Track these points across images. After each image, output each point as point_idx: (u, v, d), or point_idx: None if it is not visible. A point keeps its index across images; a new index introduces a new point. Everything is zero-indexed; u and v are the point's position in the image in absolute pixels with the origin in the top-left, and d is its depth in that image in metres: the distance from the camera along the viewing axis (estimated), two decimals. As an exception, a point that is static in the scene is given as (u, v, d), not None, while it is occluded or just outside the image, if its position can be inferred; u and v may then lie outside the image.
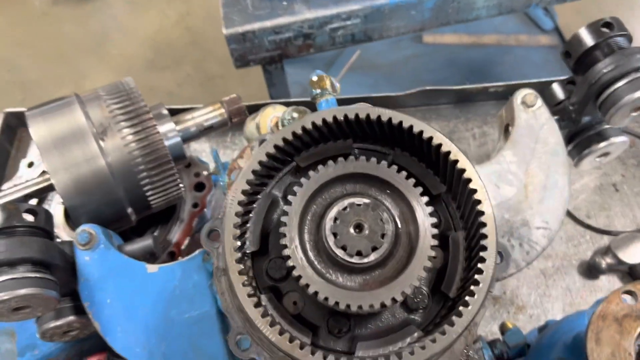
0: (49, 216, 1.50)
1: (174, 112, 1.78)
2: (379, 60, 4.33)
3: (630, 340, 1.11)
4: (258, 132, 1.44)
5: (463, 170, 1.00)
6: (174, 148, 1.68)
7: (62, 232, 1.90)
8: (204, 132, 1.80)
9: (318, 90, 1.27)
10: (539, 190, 1.47)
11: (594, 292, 1.82)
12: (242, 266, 0.96)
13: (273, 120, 1.42)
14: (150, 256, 1.53)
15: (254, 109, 1.92)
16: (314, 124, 1.04)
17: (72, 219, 1.57)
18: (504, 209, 1.41)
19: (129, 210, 1.63)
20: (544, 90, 1.67)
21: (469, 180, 1.00)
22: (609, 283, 1.84)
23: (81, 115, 1.60)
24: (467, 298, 0.94)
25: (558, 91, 1.69)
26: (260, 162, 1.03)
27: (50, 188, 1.60)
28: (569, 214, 1.95)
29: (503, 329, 1.60)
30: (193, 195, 1.92)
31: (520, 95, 1.53)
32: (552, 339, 1.44)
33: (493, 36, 4.27)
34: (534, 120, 1.52)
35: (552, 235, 1.45)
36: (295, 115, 1.28)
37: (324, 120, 1.04)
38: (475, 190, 0.99)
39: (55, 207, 1.93)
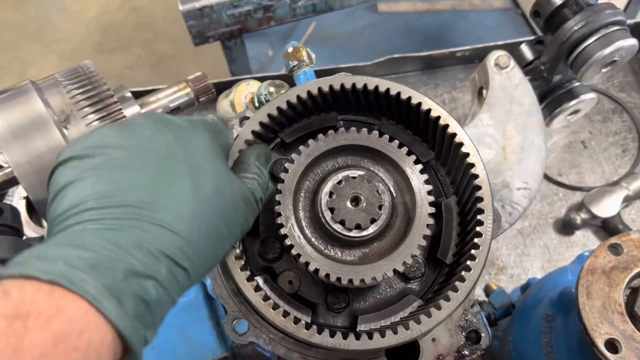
0: (15, 213, 1.42)
1: (136, 95, 1.70)
2: (335, 32, 4.27)
3: (619, 292, 1.13)
4: (233, 109, 1.39)
5: (454, 135, 0.99)
6: (141, 132, 1.60)
7: (26, 228, 1.81)
8: (171, 113, 1.73)
9: (295, 62, 1.22)
10: (517, 152, 1.48)
11: (570, 248, 1.87)
12: (237, 250, 0.93)
13: (248, 97, 1.37)
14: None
15: (221, 86, 1.86)
16: (299, 97, 1.00)
17: (40, 214, 1.48)
18: (484, 172, 1.42)
19: (99, 200, 1.55)
20: (512, 51, 1.67)
21: (461, 145, 0.99)
22: (584, 238, 1.89)
23: (40, 103, 1.50)
24: (468, 262, 0.94)
25: (527, 52, 1.70)
26: (246, 142, 0.98)
27: (12, 182, 1.50)
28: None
29: (488, 290, 1.63)
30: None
31: (493, 57, 1.53)
32: (536, 296, 1.47)
33: (447, 2, 4.28)
34: (508, 81, 1.52)
35: (533, 195, 1.47)
36: (272, 89, 1.23)
37: (309, 93, 1.00)
38: (467, 154, 0.98)
39: (17, 202, 1.83)
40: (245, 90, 1.38)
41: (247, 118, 1.13)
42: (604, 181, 1.98)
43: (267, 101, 1.23)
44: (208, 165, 0.79)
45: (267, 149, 1.02)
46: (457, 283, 0.92)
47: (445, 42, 4.30)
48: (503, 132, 1.48)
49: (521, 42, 1.72)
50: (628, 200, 1.88)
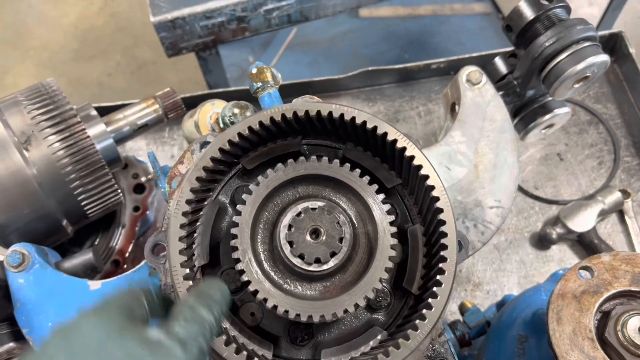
0: (-27, 238, 1.37)
1: (103, 111, 1.66)
2: (316, 37, 4.25)
3: (590, 317, 1.11)
4: (198, 130, 1.35)
5: (420, 167, 0.96)
6: (107, 151, 1.56)
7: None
8: (139, 131, 1.69)
9: (259, 84, 1.19)
10: (489, 169, 1.46)
11: (546, 263, 1.86)
12: (191, 282, 0.89)
13: (213, 117, 1.34)
14: (91, 271, 1.43)
15: (191, 101, 1.82)
16: (261, 123, 0.97)
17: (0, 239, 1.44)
18: (456, 190, 1.39)
19: (64, 222, 1.51)
20: (485, 63, 1.65)
21: (426, 177, 0.96)
22: (560, 252, 1.87)
23: (-1, 123, 1.46)
24: (434, 289, 0.91)
25: (500, 65, 1.68)
26: (204, 168, 0.95)
27: (-30, 206, 1.46)
28: (518, 187, 1.97)
29: (462, 309, 1.61)
30: (133, 198, 1.81)
31: (464, 73, 1.51)
32: (510, 316, 1.44)
33: (428, 7, 4.27)
34: (480, 97, 1.50)
35: (505, 213, 1.45)
36: (236, 111, 1.20)
37: (272, 120, 0.97)
38: (432, 187, 0.95)
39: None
40: (210, 111, 1.34)
41: (208, 143, 1.10)
42: (580, 194, 1.96)
43: (231, 123, 1.20)
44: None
45: (217, 284, 0.87)
46: (424, 311, 0.90)
47: (426, 46, 4.29)
48: (475, 149, 1.46)
49: (496, 55, 1.70)
50: (603, 214, 1.87)
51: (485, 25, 4.18)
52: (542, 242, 1.88)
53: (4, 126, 1.43)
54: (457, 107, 1.56)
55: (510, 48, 1.63)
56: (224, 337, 0.90)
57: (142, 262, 1.40)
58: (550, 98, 1.65)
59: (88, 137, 1.46)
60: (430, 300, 0.91)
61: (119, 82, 4.53)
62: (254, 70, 1.20)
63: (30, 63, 4.61)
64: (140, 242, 1.83)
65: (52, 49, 4.65)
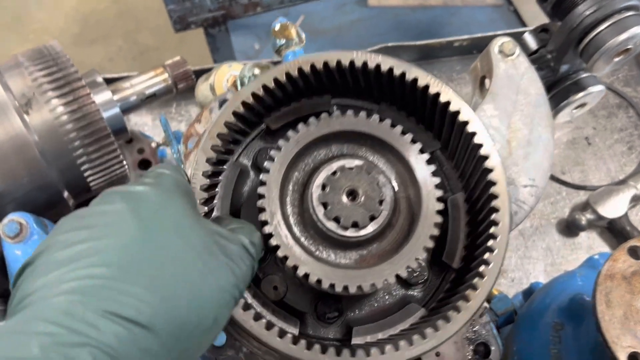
0: (-33, 206, 1.27)
1: (109, 82, 1.56)
2: (323, 26, 4.14)
3: (642, 300, 1.02)
4: (213, 94, 1.25)
5: (465, 123, 0.87)
6: (113, 120, 1.46)
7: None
8: (146, 101, 1.58)
9: (283, 41, 1.10)
10: (523, 146, 1.36)
11: (574, 251, 1.76)
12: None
13: (230, 80, 1.24)
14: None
15: (202, 73, 1.72)
16: (288, 75, 0.87)
17: (-5, 207, 1.34)
18: (487, 167, 1.30)
19: (66, 194, 1.41)
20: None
21: (473, 134, 0.87)
22: (588, 239, 1.78)
23: (-2, 85, 1.36)
24: (481, 268, 0.81)
25: (530, 41, 1.59)
26: (226, 124, 0.85)
27: (-34, 173, 1.35)
28: (543, 171, 1.87)
29: (488, 296, 1.51)
30: (138, 174, 1.71)
31: (497, 43, 1.41)
32: (542, 303, 1.35)
33: (439, -3, 4.16)
34: (514, 69, 1.40)
35: (540, 193, 1.35)
36: (257, 71, 1.10)
37: (300, 71, 0.87)
38: (480, 145, 0.86)
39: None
40: (227, 73, 1.24)
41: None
42: (609, 180, 1.87)
43: (251, 84, 1.10)
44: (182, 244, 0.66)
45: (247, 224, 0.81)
46: (468, 292, 0.80)
47: (436, 37, 4.21)
48: (508, 124, 1.36)
49: (523, 32, 1.60)
50: (636, 200, 1.77)
51: (496, 17, 4.08)
52: (570, 228, 1.79)
53: (4, 88, 1.33)
54: (487, 80, 1.47)
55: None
56: (252, 311, 0.80)
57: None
58: (585, 75, 1.56)
59: (93, 102, 1.36)
60: (475, 280, 0.81)
61: (121, 67, 4.42)
62: (278, 27, 1.11)
63: (30, 47, 4.49)
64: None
65: (52, 33, 4.54)
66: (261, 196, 0.81)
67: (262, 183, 0.82)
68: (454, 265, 0.91)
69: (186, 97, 1.94)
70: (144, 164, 1.72)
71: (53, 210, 1.45)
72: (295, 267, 0.78)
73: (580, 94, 1.54)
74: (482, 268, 0.81)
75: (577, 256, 1.73)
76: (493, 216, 0.83)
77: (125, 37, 4.47)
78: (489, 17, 4.16)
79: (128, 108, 1.55)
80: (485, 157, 0.85)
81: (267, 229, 0.80)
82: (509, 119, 1.38)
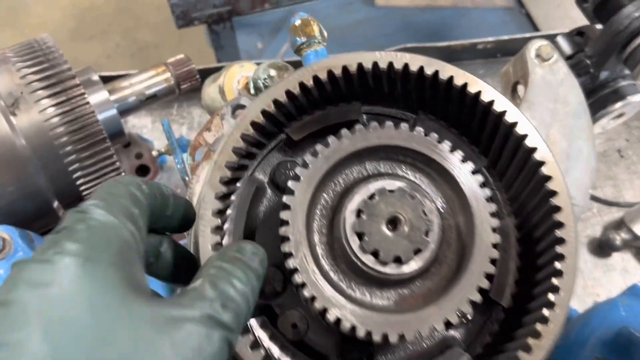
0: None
1: (106, 81, 1.43)
2: (328, 25, 3.97)
3: None
4: (222, 97, 1.12)
5: (524, 137, 0.74)
6: (109, 123, 1.33)
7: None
8: (146, 102, 1.46)
9: (303, 39, 0.97)
10: (562, 160, 1.24)
11: (607, 272, 1.64)
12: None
13: (242, 82, 1.11)
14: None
15: (206, 73, 1.58)
16: (316, 79, 0.74)
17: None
18: (523, 183, 1.17)
19: (55, 203, 1.28)
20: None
21: (533, 150, 0.73)
22: (622, 261, 1.66)
23: (-18, 83, 1.22)
24: (544, 312, 0.68)
25: (564, 45, 1.46)
26: (243, 136, 0.72)
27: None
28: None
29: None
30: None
31: (534, 46, 1.29)
32: (581, 335, 1.22)
33: (449, -2, 4.05)
34: (552, 76, 1.28)
35: (580, 212, 1.23)
36: (273, 72, 0.98)
37: (329, 74, 0.74)
38: (542, 163, 0.73)
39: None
40: (238, 74, 1.11)
41: (242, 106, 0.88)
42: (644, 196, 1.76)
43: (266, 87, 0.98)
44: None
45: (250, 245, 0.65)
46: (530, 341, 0.67)
47: (445, 39, 4.09)
48: (546, 135, 1.24)
49: (555, 35, 1.48)
50: (675, 220, 1.66)
51: (507, 19, 3.97)
52: (602, 248, 1.66)
53: (-12, 86, 1.19)
54: (521, 87, 1.35)
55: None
56: (262, 352, 0.67)
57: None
58: (624, 83, 1.43)
59: (88, 103, 1.23)
60: (538, 326, 0.68)
61: (118, 64, 4.28)
62: (298, 22, 0.98)
63: (25, 41, 4.35)
64: (142, 232, 1.59)
65: (48, 28, 4.40)
66: (284, 222, 0.68)
67: (286, 207, 0.68)
68: (504, 304, 0.78)
69: (189, 98, 1.81)
70: (142, 170, 1.59)
71: (41, 221, 1.32)
72: (324, 310, 0.65)
73: (620, 104, 1.42)
74: (544, 311, 0.68)
75: (610, 278, 1.60)
76: (557, 249, 0.70)
77: (123, 34, 4.33)
78: (500, 19, 4.04)
79: (126, 110, 1.42)
80: (548, 178, 0.72)
81: (291, 263, 0.66)
82: (547, 130, 1.25)
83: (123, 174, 1.35)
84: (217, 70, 1.55)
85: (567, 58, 1.45)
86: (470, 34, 3.93)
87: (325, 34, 1.03)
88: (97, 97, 1.31)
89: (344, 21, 4.04)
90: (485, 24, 3.98)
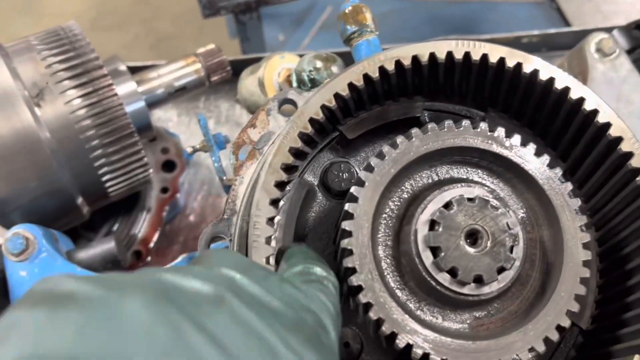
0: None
1: (132, 71, 1.36)
2: (352, 18, 3.93)
3: None
4: (262, 91, 1.04)
5: (619, 140, 0.65)
6: (137, 115, 1.25)
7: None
8: (174, 94, 1.38)
9: (354, 27, 0.88)
10: (624, 164, 1.15)
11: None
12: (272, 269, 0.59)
13: (282, 74, 1.03)
14: (112, 264, 1.13)
15: (237, 66, 1.50)
16: (382, 70, 0.66)
17: (-1, 217, 1.14)
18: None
19: (79, 200, 1.20)
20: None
21: (629, 155, 0.64)
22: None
23: (6, 72, 1.15)
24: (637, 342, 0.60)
25: (621, 40, 1.36)
26: (301, 135, 0.64)
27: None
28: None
29: None
30: (161, 177, 1.50)
31: (593, 41, 1.20)
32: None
33: (477, -9, 3.93)
34: (614, 72, 1.19)
35: None
36: (319, 64, 0.89)
37: (398, 65, 0.66)
38: (637, 171, 0.64)
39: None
40: (279, 66, 1.03)
41: (291, 101, 0.79)
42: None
43: (311, 80, 0.89)
44: None
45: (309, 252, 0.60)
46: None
47: (472, 33, 3.98)
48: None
49: (612, 29, 1.38)
50: None
51: (537, 13, 3.85)
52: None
53: (13, 76, 1.12)
54: (577, 83, 1.26)
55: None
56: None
57: (179, 258, 1.10)
58: (686, 81, 1.33)
59: (116, 94, 1.15)
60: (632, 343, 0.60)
61: (137, 55, 4.22)
62: (349, 9, 0.89)
63: (44, 31, 4.31)
64: (167, 230, 1.52)
65: (67, 17, 4.33)
66: (346, 233, 0.60)
67: (348, 215, 0.60)
68: (583, 326, 0.69)
69: (216, 90, 1.73)
70: (169, 166, 1.52)
71: (64, 219, 1.25)
72: (393, 336, 0.57)
73: (682, 103, 1.32)
74: (637, 342, 0.60)
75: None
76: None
77: (142, 25, 4.27)
78: (530, 13, 3.91)
79: (154, 102, 1.34)
80: (637, 171, 0.63)
81: (355, 280, 0.59)
82: (608, 132, 1.16)
83: (150, 170, 1.28)
84: (246, 62, 1.47)
85: (628, 52, 1.36)
86: (500, 28, 3.82)
87: (377, 22, 0.94)
88: (124, 88, 1.24)
89: (368, 14, 3.96)
90: (514, 18, 3.86)
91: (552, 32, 1.69)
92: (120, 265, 1.13)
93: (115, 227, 1.45)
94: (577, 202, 0.62)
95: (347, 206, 0.61)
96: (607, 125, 0.64)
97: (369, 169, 0.62)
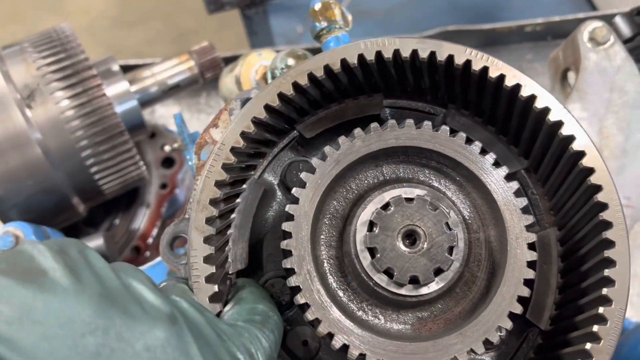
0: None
1: (131, 69, 1.39)
2: (371, 8, 3.87)
3: None
4: (239, 88, 1.05)
5: (570, 139, 0.63)
6: (128, 115, 1.28)
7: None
8: (169, 92, 1.40)
9: (323, 24, 0.88)
10: (617, 155, 1.11)
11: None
12: (218, 306, 0.59)
13: (259, 71, 1.03)
14: (102, 261, 1.16)
15: (232, 61, 1.51)
16: (327, 69, 0.65)
17: (-4, 214, 1.18)
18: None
19: (74, 199, 1.24)
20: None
21: (580, 155, 0.62)
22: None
23: (-1, 75, 1.19)
24: (587, 347, 0.58)
25: (623, 26, 1.31)
26: (243, 135, 0.64)
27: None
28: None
29: None
30: (160, 174, 1.53)
31: (587, 29, 1.16)
32: (635, 351, 1.10)
33: (498, -23, 3.83)
34: (607, 62, 1.14)
35: (637, 214, 1.10)
36: (291, 61, 0.89)
37: (343, 64, 0.65)
38: (591, 170, 0.62)
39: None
40: (256, 63, 1.03)
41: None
42: None
43: (284, 78, 0.89)
44: None
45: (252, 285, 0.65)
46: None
47: (495, 21, 3.89)
48: (599, 128, 1.12)
49: (613, 15, 1.33)
50: None
51: (563, 0, 3.74)
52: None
53: (4, 78, 1.16)
54: (571, 74, 1.22)
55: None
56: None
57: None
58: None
59: (104, 95, 1.18)
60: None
61: (159, 51, 4.29)
62: (318, 6, 0.88)
63: (69, 28, 4.41)
64: (167, 225, 1.55)
65: (91, 15, 4.45)
66: (286, 234, 0.60)
67: (289, 217, 0.60)
68: (542, 326, 0.68)
69: (217, 87, 1.74)
70: (168, 162, 1.54)
71: (61, 216, 1.28)
72: (330, 335, 0.57)
73: (686, 92, 1.27)
74: (587, 346, 0.58)
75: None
76: (606, 272, 0.59)
77: (164, 20, 4.33)
78: (555, 0, 3.81)
79: (148, 100, 1.36)
80: (598, 188, 0.61)
81: (293, 281, 0.59)
82: (600, 123, 1.13)
83: (144, 167, 1.30)
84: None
85: (627, 41, 1.30)
86: (523, 15, 3.72)
87: (350, 18, 0.93)
88: (116, 88, 1.26)
89: (386, 3, 3.89)
90: (538, 4, 3.75)
91: (556, 19, 1.64)
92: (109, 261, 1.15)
93: (116, 222, 1.48)
94: (523, 202, 0.60)
95: (288, 207, 0.61)
96: (559, 124, 0.62)
97: (311, 169, 0.62)
